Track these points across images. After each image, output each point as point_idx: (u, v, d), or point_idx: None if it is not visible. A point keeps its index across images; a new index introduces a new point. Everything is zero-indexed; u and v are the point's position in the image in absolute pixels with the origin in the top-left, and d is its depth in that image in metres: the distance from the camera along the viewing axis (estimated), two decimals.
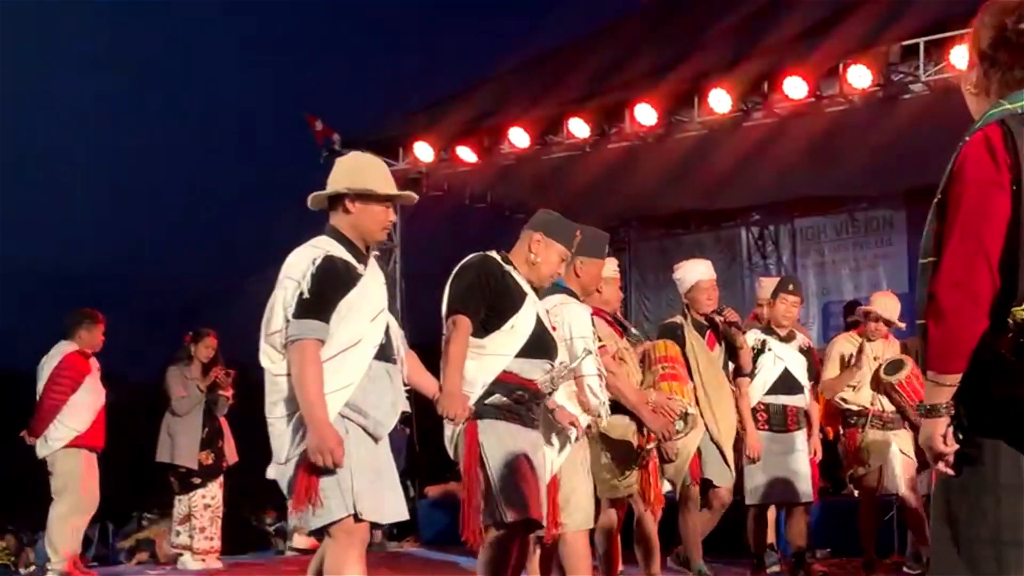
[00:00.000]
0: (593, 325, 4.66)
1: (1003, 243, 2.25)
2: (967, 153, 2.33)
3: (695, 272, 6.09)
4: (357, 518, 3.44)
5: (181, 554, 7.96)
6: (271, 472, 3.56)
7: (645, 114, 9.23)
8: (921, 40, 8.17)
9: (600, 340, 4.78)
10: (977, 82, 2.48)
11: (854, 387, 6.37)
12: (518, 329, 4.04)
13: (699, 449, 5.84)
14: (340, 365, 3.44)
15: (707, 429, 5.86)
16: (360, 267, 3.59)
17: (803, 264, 11.94)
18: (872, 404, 6.32)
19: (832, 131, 8.92)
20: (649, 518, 5.34)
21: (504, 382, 4.00)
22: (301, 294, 3.43)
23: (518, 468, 3.96)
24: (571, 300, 4.63)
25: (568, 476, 4.47)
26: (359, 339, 3.49)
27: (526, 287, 4.17)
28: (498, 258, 4.19)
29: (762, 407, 6.22)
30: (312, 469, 3.38)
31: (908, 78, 8.46)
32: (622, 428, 4.99)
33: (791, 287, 6.37)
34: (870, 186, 10.66)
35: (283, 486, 3.52)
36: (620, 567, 5.43)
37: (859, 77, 8.40)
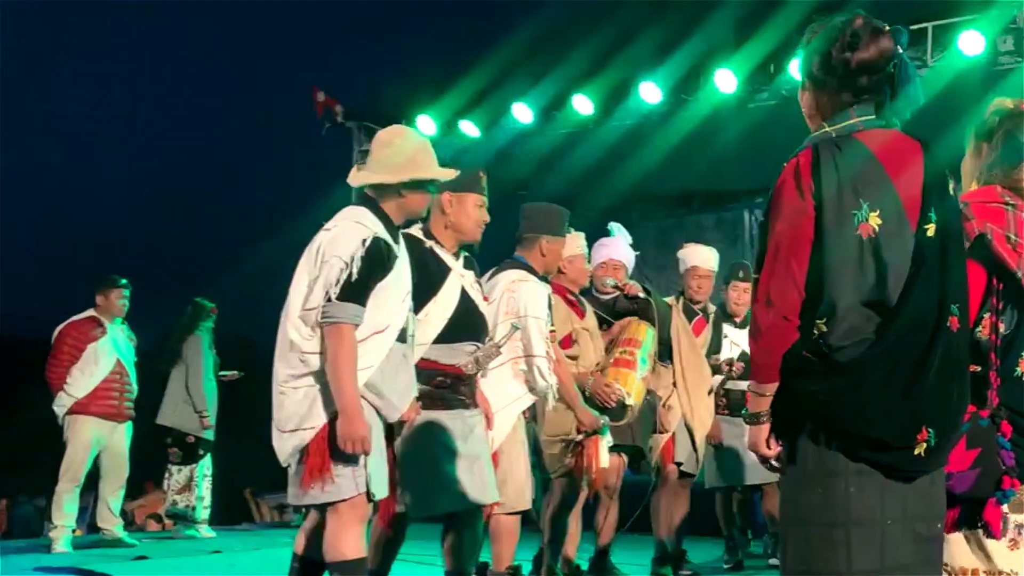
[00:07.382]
0: (550, 306, 4.58)
1: (809, 263, 2.35)
2: (782, 179, 2.43)
3: (694, 257, 6.10)
4: (367, 497, 3.41)
5: (176, 523, 7.96)
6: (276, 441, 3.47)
7: (650, 93, 9.20)
8: (929, 25, 8.14)
9: (552, 326, 4.65)
10: (808, 105, 2.62)
11: None
12: (432, 317, 3.93)
13: (672, 433, 5.88)
14: (367, 348, 3.38)
15: (683, 414, 5.87)
16: (396, 248, 3.52)
17: None
18: None
19: None
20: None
21: (422, 370, 3.83)
22: (350, 276, 3.35)
23: (423, 461, 3.89)
24: (530, 278, 4.57)
25: (507, 455, 4.40)
26: (388, 324, 3.44)
27: (450, 261, 4.06)
28: (419, 235, 4.07)
29: (722, 392, 6.22)
30: (328, 447, 3.33)
31: (915, 62, 8.43)
32: (567, 419, 4.93)
33: (740, 274, 6.31)
34: None
35: (281, 454, 3.44)
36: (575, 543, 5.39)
37: None
